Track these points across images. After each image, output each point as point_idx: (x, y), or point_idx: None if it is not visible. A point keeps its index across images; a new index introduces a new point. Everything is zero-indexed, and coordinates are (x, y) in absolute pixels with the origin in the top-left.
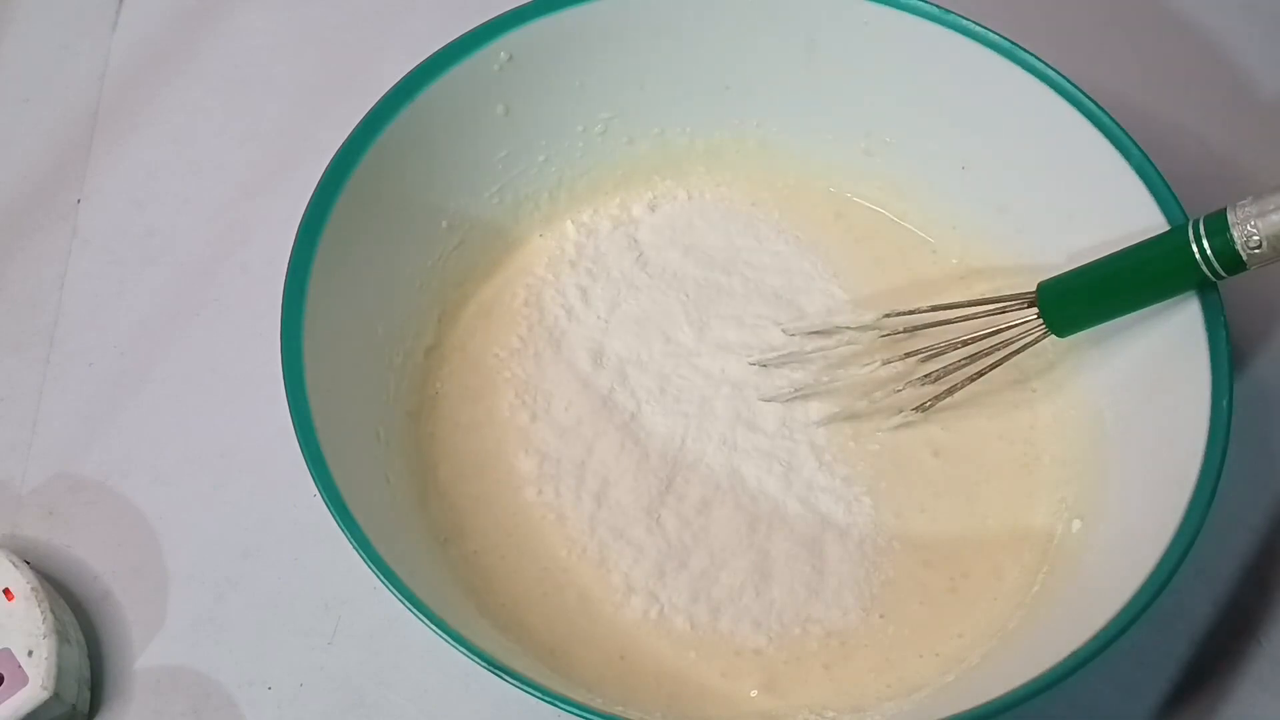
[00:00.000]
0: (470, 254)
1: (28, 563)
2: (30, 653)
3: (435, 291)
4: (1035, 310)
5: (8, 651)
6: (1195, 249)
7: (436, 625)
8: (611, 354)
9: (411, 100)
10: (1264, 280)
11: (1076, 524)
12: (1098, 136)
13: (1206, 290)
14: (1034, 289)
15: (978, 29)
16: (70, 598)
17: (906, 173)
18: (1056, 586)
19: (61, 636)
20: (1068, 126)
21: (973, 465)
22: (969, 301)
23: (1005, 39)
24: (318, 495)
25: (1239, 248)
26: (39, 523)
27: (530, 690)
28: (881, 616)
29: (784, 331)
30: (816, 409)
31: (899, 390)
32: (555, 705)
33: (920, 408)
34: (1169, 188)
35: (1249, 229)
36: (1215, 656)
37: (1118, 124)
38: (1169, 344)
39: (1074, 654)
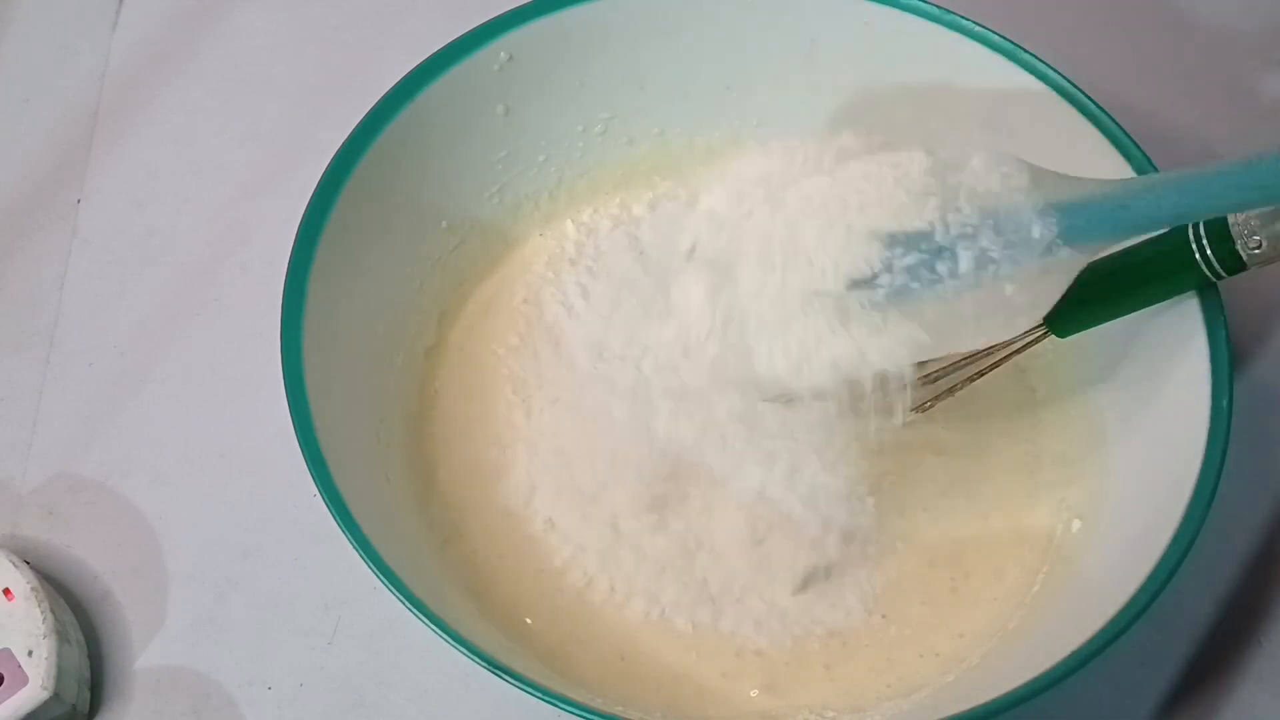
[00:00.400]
0: (470, 254)
1: (28, 563)
2: (30, 653)
3: (435, 291)
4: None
5: (8, 651)
6: (1195, 249)
7: (436, 625)
8: (612, 352)
9: (411, 100)
10: (1264, 280)
11: (1076, 524)
12: (1098, 136)
13: (1206, 290)
14: None
15: (978, 29)
16: (70, 598)
17: None
18: (1056, 586)
19: (61, 636)
20: (1068, 126)
21: (974, 465)
22: None
23: (1005, 39)
24: (318, 495)
25: (1239, 247)
26: (39, 523)
27: (530, 690)
28: (883, 617)
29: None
30: (818, 409)
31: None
32: (555, 705)
33: (921, 408)
34: None
35: (1249, 229)
36: (1215, 656)
37: (1118, 124)
38: (1169, 344)
39: (1074, 654)
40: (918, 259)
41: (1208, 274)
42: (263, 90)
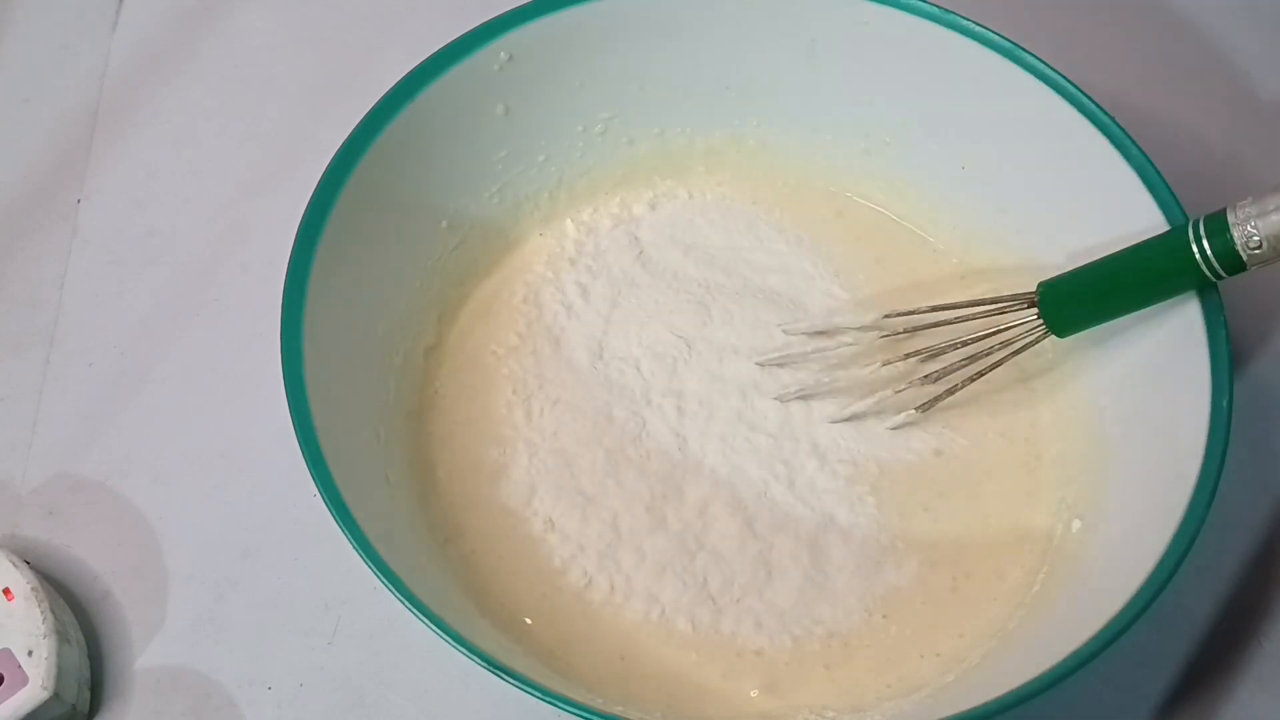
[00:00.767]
0: (470, 254)
1: (28, 563)
2: (30, 653)
3: (435, 291)
4: (1035, 311)
5: (8, 651)
6: (1195, 249)
7: (436, 625)
8: (611, 352)
9: (411, 100)
10: (1264, 280)
11: (1076, 524)
12: (1098, 136)
13: (1206, 290)
14: (1034, 289)
15: (978, 29)
16: (70, 598)
17: (907, 173)
18: (1056, 586)
19: (61, 636)
20: (1068, 126)
21: (975, 465)
22: (969, 302)
23: (1005, 39)
24: (318, 495)
25: (1239, 248)
26: (39, 523)
27: (530, 690)
28: (884, 617)
29: (784, 331)
30: (818, 409)
31: (900, 391)
32: (555, 705)
33: (921, 408)
34: (1169, 188)
35: (1249, 229)
36: (1215, 656)
37: (1118, 124)
38: (1169, 344)
39: (1074, 654)
40: None
41: (1207, 274)
42: (263, 90)
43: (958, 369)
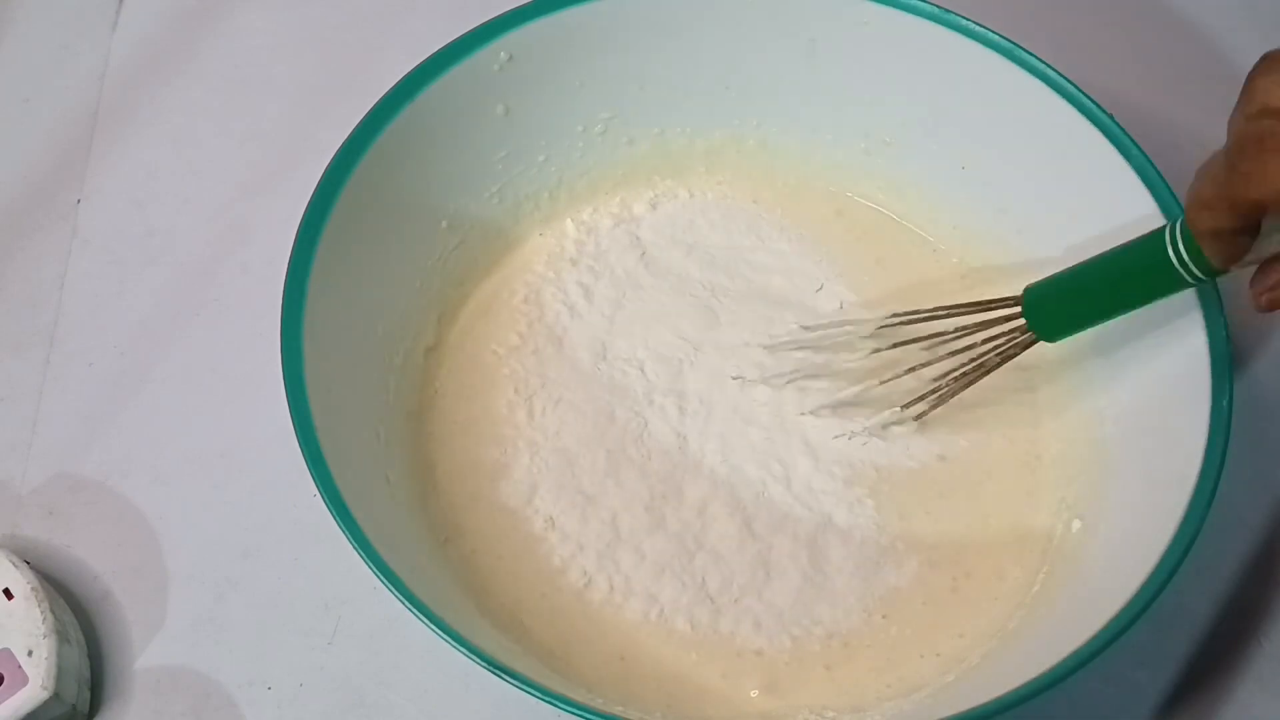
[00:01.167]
0: (470, 254)
1: (28, 563)
2: (30, 653)
3: (435, 291)
4: (1020, 317)
5: (8, 651)
6: (1171, 252)
7: (436, 625)
8: (612, 352)
9: (411, 100)
10: None
11: (1076, 524)
12: (1098, 136)
13: (1206, 290)
14: (1020, 293)
15: (978, 29)
16: (70, 598)
17: (907, 173)
18: (1056, 586)
19: (61, 636)
20: (1068, 126)
21: (975, 465)
22: (957, 307)
23: (1005, 39)
24: (318, 495)
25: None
26: (39, 523)
27: (530, 690)
28: (884, 617)
29: (767, 348)
30: (819, 421)
31: (898, 405)
32: (555, 705)
33: (917, 417)
34: (1169, 188)
35: None
36: (1215, 656)
37: (1118, 124)
38: (1169, 344)
39: (1074, 654)
40: None
41: (1186, 277)
42: (263, 90)
43: (950, 380)
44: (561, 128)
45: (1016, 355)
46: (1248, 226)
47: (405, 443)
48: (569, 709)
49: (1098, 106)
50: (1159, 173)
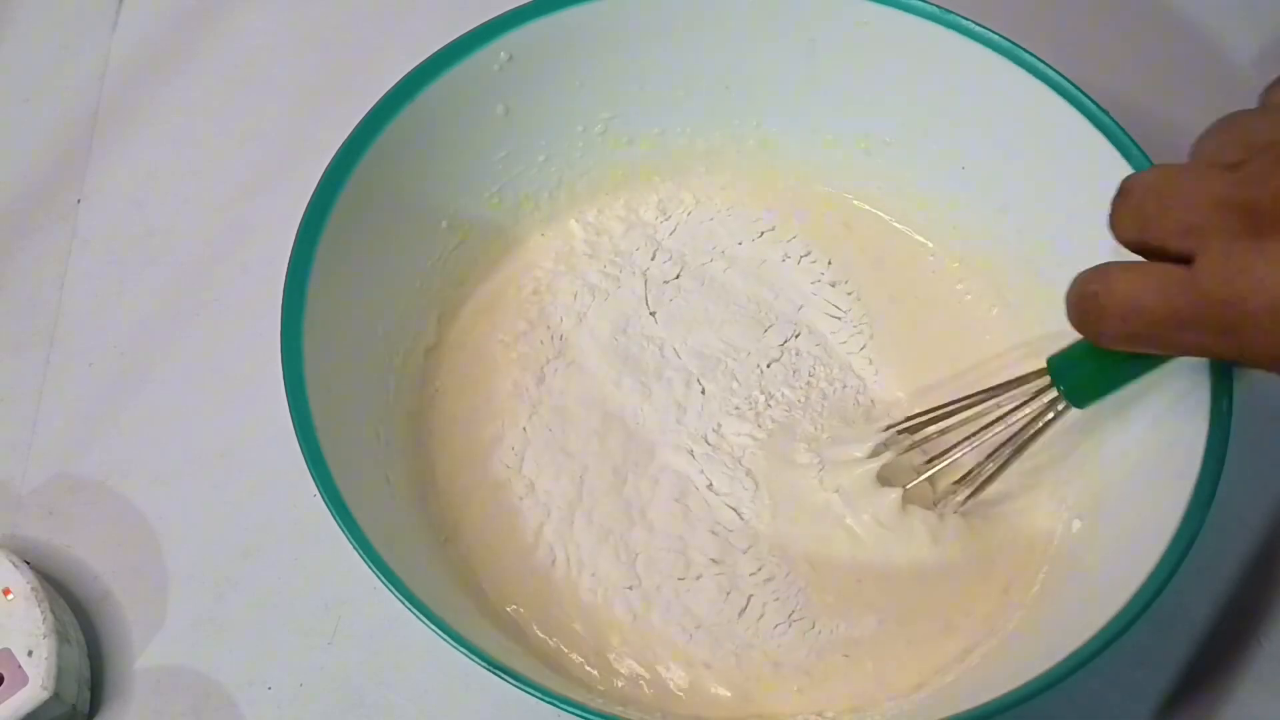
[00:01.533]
0: (470, 253)
1: (28, 563)
2: (30, 653)
3: (435, 291)
4: (1050, 386)
5: (8, 651)
6: None
7: (436, 625)
8: (615, 352)
9: (411, 100)
10: None
11: (1076, 524)
12: (1098, 136)
13: None
14: (1044, 365)
15: (978, 29)
16: (70, 598)
17: (906, 173)
18: (1056, 586)
19: (61, 636)
20: (1068, 126)
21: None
22: (982, 394)
23: (1005, 39)
24: (318, 495)
25: None
26: (39, 523)
27: (530, 690)
28: (879, 622)
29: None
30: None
31: (938, 501)
32: (555, 705)
33: (959, 506)
34: None
35: None
36: (1215, 656)
37: (1118, 124)
38: None
39: (1074, 654)
40: None
41: None
42: (263, 90)
43: (988, 461)
44: (561, 128)
45: (1046, 429)
46: None
47: (405, 443)
48: (569, 709)
49: (1098, 106)
50: None
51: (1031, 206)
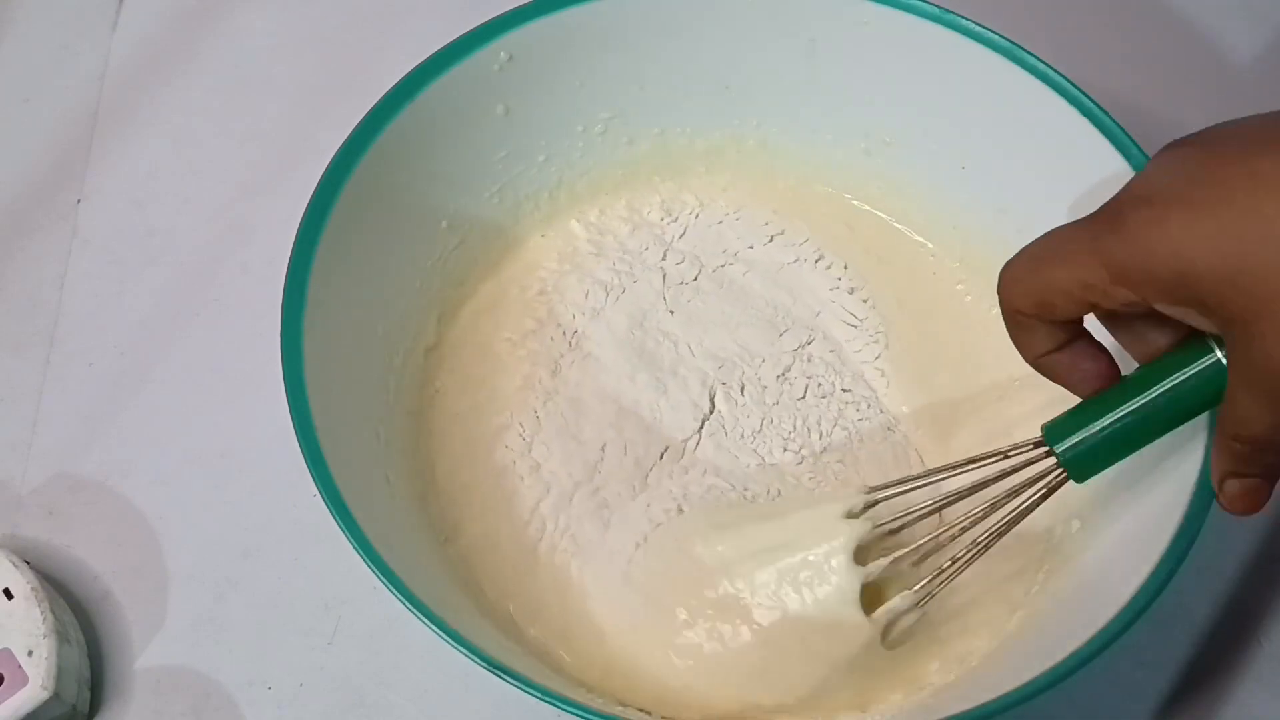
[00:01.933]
0: (470, 254)
1: (28, 563)
2: (30, 653)
3: (435, 291)
4: (1048, 455)
5: (8, 651)
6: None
7: (436, 625)
8: (631, 345)
9: (411, 100)
10: None
11: (1076, 524)
12: (1098, 136)
13: None
14: (1040, 435)
15: (978, 29)
16: (70, 598)
17: (906, 173)
18: (1056, 586)
19: (61, 636)
20: (1068, 126)
21: None
22: (972, 461)
23: (1005, 39)
24: (318, 495)
25: None
26: (39, 523)
27: (530, 690)
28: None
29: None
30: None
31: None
32: (555, 705)
33: (954, 572)
34: None
35: None
36: (1215, 656)
37: (1118, 124)
38: None
39: (1074, 654)
40: None
41: None
42: (263, 90)
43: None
44: (561, 128)
45: (1045, 499)
46: None
47: (405, 442)
48: (569, 709)
49: (1098, 106)
50: None
51: (1031, 206)
